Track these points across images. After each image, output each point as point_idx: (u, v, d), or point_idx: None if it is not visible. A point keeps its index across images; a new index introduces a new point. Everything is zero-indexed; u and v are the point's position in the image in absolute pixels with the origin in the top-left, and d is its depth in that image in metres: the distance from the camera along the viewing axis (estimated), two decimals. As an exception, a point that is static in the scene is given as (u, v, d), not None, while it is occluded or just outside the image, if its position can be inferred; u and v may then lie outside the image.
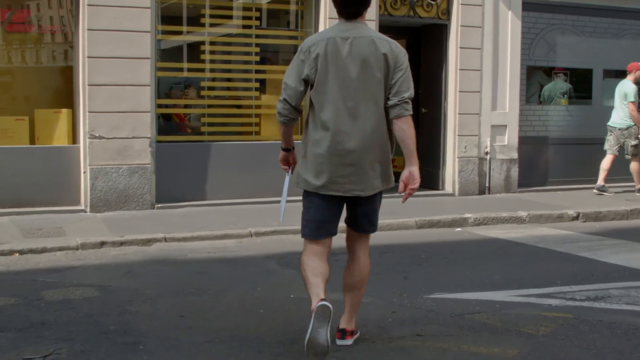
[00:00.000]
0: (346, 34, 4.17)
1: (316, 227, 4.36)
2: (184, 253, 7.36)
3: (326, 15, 10.22)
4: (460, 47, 11.10)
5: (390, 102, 4.21)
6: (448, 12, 11.19)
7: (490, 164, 11.42)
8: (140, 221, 8.70)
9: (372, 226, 4.46)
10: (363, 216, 4.39)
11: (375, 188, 4.29)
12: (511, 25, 11.47)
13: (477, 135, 11.30)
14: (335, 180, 4.22)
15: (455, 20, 11.12)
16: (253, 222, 8.62)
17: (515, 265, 6.95)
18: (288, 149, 4.51)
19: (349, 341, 4.47)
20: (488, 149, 11.36)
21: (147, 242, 7.78)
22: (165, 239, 7.86)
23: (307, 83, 4.19)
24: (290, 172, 4.55)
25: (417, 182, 4.28)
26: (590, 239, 8.30)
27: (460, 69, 11.11)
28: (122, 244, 7.68)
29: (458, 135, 11.21)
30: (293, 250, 7.30)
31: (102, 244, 7.61)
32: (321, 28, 10.23)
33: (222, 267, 6.79)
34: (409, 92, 4.23)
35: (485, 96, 11.31)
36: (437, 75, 11.43)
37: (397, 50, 4.23)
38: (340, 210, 4.41)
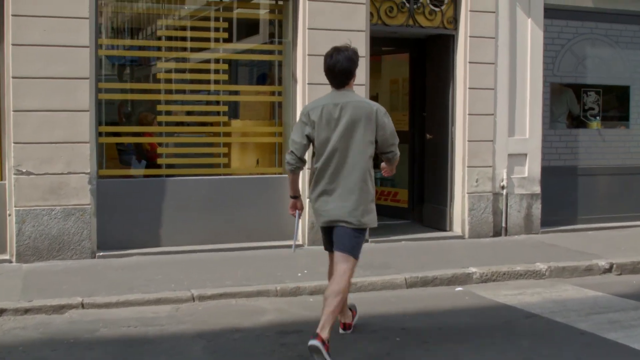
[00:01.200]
0: (336, 101, 5.22)
1: None
2: (97, 327, 5.90)
3: (305, 25, 8.74)
4: (470, 62, 9.53)
5: (381, 154, 5.34)
6: (455, 21, 9.64)
7: (507, 200, 9.80)
8: (69, 276, 7.27)
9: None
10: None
11: (358, 223, 5.18)
12: (531, 35, 9.87)
13: (490, 166, 9.69)
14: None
15: (463, 30, 9.56)
16: (205, 278, 7.17)
17: (517, 353, 5.32)
18: (296, 196, 5.51)
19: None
20: (504, 183, 9.75)
21: (60, 309, 6.34)
22: (83, 305, 6.41)
23: (309, 139, 5.22)
24: (298, 216, 5.51)
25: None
26: (624, 305, 6.64)
27: (470, 88, 9.54)
28: (26, 311, 6.25)
29: (468, 167, 9.61)
30: (235, 325, 5.81)
31: (1, 312, 6.16)
32: (300, 40, 8.76)
33: (129, 355, 5.27)
34: (393, 147, 5.30)
35: (501, 119, 9.72)
36: (443, 95, 9.87)
37: (379, 112, 5.20)
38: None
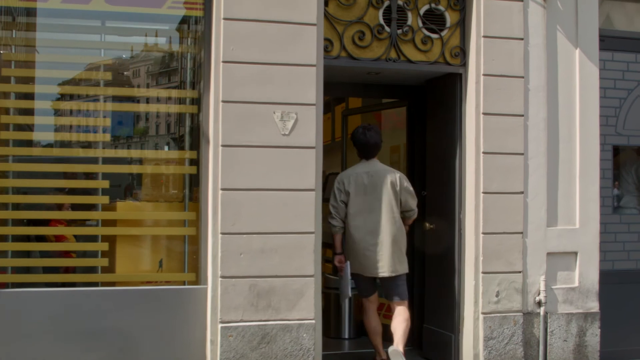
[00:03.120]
0: (366, 169, 6.59)
1: None
2: None
3: (219, 56, 5.83)
4: (486, 114, 6.46)
5: (402, 214, 6.59)
6: (462, 52, 6.59)
7: (546, 323, 6.56)
8: None
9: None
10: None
11: (394, 271, 6.51)
12: (580, 74, 6.79)
13: (519, 271, 6.49)
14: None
15: (474, 66, 6.54)
16: None
17: None
18: (342, 253, 6.65)
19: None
20: (542, 297, 6.54)
21: None
22: None
23: (345, 203, 6.51)
24: (348, 267, 6.59)
25: None
26: None
27: (485, 152, 6.43)
28: None
29: (484, 273, 6.44)
30: None
31: None
32: (212, 79, 5.89)
33: None
34: (412, 207, 6.60)
35: (536, 201, 6.57)
36: (446, 163, 6.77)
37: (401, 178, 6.56)
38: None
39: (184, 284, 6.25)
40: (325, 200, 8.22)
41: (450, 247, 6.69)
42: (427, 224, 7.01)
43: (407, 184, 6.53)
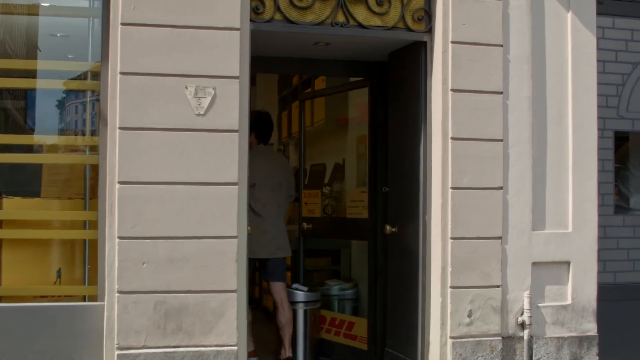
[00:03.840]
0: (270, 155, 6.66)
1: None
2: None
3: (117, 19, 4.69)
4: (455, 90, 5.26)
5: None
6: (428, 16, 5.38)
7: (531, 349, 5.40)
8: None
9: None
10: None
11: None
12: (573, 43, 5.58)
13: (498, 285, 5.34)
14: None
15: (441, 32, 5.29)
16: None
17: None
18: None
19: None
20: (525, 317, 5.38)
21: None
22: None
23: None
24: None
25: None
26: None
27: (454, 138, 5.24)
28: None
29: (453, 288, 5.26)
30: None
31: None
32: (111, 48, 4.76)
33: None
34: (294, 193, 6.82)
35: (518, 199, 5.41)
36: (408, 153, 5.57)
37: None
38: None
39: (85, 300, 5.13)
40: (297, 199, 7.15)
41: (413, 256, 5.51)
42: (389, 227, 5.83)
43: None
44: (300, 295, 6.69)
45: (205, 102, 4.84)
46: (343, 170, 7.52)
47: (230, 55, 4.88)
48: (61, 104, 5.56)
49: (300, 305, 6.69)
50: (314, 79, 8.46)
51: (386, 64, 6.01)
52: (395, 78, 5.86)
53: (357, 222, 6.57)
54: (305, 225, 7.13)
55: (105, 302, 4.79)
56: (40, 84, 5.37)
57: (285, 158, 8.15)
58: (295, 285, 6.88)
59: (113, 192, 4.76)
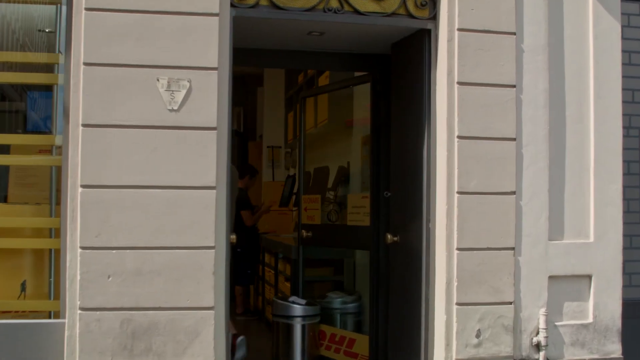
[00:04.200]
0: None
1: None
2: None
3: (81, 3, 4.22)
4: (461, 83, 4.70)
5: None
6: (432, 1, 4.83)
7: (547, 373, 4.78)
8: None
9: None
10: None
11: None
12: (595, 30, 4.98)
13: (509, 302, 4.77)
14: None
15: (446, 19, 4.74)
16: None
17: None
18: None
19: None
20: (541, 337, 4.82)
21: None
22: None
23: None
24: None
25: None
26: None
27: (460, 137, 4.67)
28: None
29: (459, 305, 4.71)
30: None
31: None
32: (74, 36, 4.27)
33: None
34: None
35: (532, 205, 4.87)
36: (413, 156, 5.02)
37: None
38: None
39: (50, 316, 4.63)
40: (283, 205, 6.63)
41: (416, 268, 4.95)
42: (390, 236, 5.27)
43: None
44: (298, 309, 6.18)
45: (179, 96, 4.33)
46: (348, 174, 6.98)
47: (207, 43, 4.36)
48: (32, 100, 5.10)
49: (298, 320, 6.18)
50: (318, 76, 7.94)
51: (389, 56, 5.48)
52: (398, 71, 5.31)
53: (358, 230, 6.04)
54: (304, 232, 6.60)
55: (67, 320, 4.29)
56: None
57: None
58: (292, 299, 6.36)
59: (75, 197, 4.25)
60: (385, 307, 5.61)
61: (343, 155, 7.08)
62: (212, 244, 4.35)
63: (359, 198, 6.14)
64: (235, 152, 11.84)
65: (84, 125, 4.24)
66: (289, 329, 6.16)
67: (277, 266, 7.98)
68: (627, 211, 5.13)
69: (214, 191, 4.36)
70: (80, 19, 4.28)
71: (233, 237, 4.82)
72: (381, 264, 5.72)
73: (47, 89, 4.91)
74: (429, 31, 4.87)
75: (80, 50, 4.27)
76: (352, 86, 6.32)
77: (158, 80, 4.31)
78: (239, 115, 13.26)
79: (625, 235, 5.04)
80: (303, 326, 6.20)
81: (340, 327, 6.50)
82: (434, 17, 4.86)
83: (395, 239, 5.23)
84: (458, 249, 4.70)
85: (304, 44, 5.35)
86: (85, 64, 4.25)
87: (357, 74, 6.25)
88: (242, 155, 11.93)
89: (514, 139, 4.79)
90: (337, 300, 6.62)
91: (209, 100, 4.36)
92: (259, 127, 11.71)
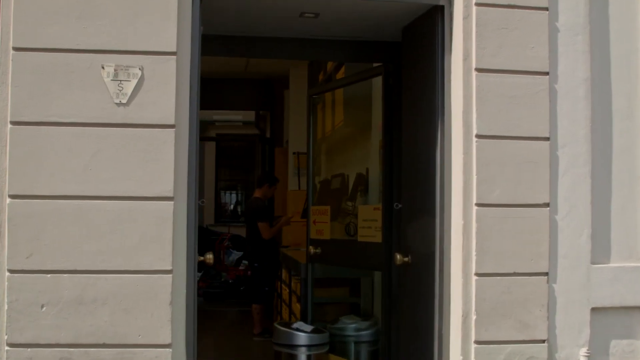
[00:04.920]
0: None
1: None
2: None
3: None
4: (479, 70, 3.77)
5: None
6: (445, -28, 3.98)
7: None
8: None
9: None
10: None
11: None
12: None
13: (542, 340, 3.84)
14: None
15: (462, -8, 3.89)
16: None
17: None
18: None
19: None
20: (582, 383, 3.83)
21: None
22: None
23: None
24: None
25: None
26: None
27: (480, 137, 3.76)
28: None
29: (478, 343, 3.78)
30: None
31: None
32: (12, 14, 3.50)
33: None
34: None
35: (570, 220, 3.94)
36: (424, 159, 4.15)
37: None
38: None
39: (-10, 350, 3.88)
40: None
41: (428, 296, 4.07)
42: (399, 256, 4.39)
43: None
44: (302, 337, 5.37)
45: (129, 87, 3.54)
46: (366, 182, 6.13)
47: (164, 23, 3.57)
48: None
49: (302, 349, 5.37)
50: (335, 73, 7.12)
51: (393, 44, 4.63)
52: (409, 60, 4.45)
53: (369, 247, 5.19)
54: (311, 249, 5.77)
55: (-7, 359, 3.54)
56: None
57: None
58: (297, 325, 5.55)
59: (2, 210, 3.50)
60: (398, 338, 4.74)
61: (361, 161, 6.23)
62: (169, 267, 3.54)
63: (370, 210, 5.29)
64: (259, 159, 11.12)
65: (13, 123, 3.48)
66: (290, 360, 5.36)
67: (291, 284, 7.17)
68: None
69: (172, 202, 3.56)
70: (10, -6, 3.54)
71: (209, 257, 4.04)
72: (394, 287, 4.85)
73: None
74: (442, 8, 4.00)
75: (9, 33, 3.51)
76: (362, 81, 5.46)
77: (103, 67, 3.53)
78: (266, 120, 12.54)
79: (688, 257, 4.08)
80: (308, 357, 5.38)
81: (353, 358, 5.65)
82: (448, -9, 3.99)
83: (406, 259, 4.35)
84: (477, 274, 3.80)
85: (297, 29, 4.53)
86: (15, 49, 3.49)
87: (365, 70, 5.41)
88: (269, 162, 11.18)
89: (547, 139, 3.88)
90: (350, 326, 5.78)
91: (165, 92, 3.57)
92: (285, 132, 10.94)
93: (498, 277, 3.81)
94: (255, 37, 4.66)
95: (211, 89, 11.45)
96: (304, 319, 6.03)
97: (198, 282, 12.24)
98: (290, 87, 10.28)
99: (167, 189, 3.55)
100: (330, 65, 7.44)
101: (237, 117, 15.72)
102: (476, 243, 3.81)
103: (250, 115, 14.12)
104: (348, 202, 6.19)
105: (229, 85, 11.26)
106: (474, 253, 3.81)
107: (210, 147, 16.97)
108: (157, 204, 3.54)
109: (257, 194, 8.43)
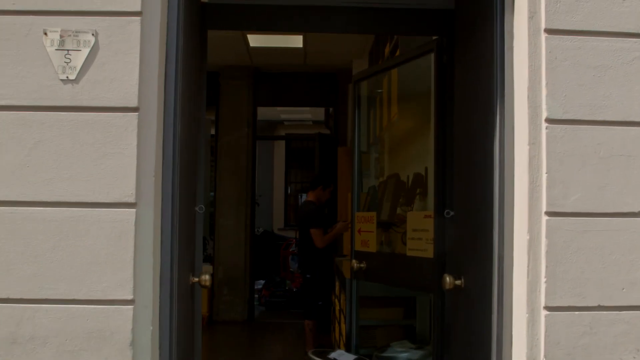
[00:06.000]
0: None
1: None
2: None
3: None
4: (550, 31, 2.75)
5: None
6: None
7: None
8: None
9: None
10: None
11: None
12: None
13: (639, 398, 2.71)
14: None
15: None
16: None
17: None
18: None
19: None
20: None
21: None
22: None
23: None
24: None
25: None
26: None
27: (551, 121, 2.72)
28: None
29: (549, 398, 2.71)
30: None
31: None
32: None
33: None
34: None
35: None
36: (479, 153, 3.13)
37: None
38: None
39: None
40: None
41: (483, 334, 3.05)
42: (449, 278, 3.37)
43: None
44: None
45: (79, 58, 2.68)
46: (425, 185, 5.14)
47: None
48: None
49: (340, 385, 4.42)
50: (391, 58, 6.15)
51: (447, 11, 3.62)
52: (464, 29, 3.45)
53: (418, 263, 4.20)
54: (355, 263, 4.82)
55: None
56: None
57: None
58: (335, 354, 4.62)
59: None
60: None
61: (420, 159, 5.24)
62: (129, 297, 2.66)
63: (420, 218, 4.30)
64: (317, 159, 10.26)
65: None
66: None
67: (340, 300, 6.24)
68: None
69: (134, 210, 2.68)
70: None
71: (204, 277, 3.16)
72: (447, 313, 3.85)
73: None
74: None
75: None
76: (411, 60, 4.46)
77: (46, 34, 2.68)
78: (330, 117, 11.63)
79: None
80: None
81: (403, 395, 4.68)
82: None
83: (458, 282, 3.34)
84: (547, 307, 2.77)
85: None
86: None
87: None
88: (331, 162, 10.28)
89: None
90: (402, 355, 4.81)
91: (126, 64, 2.69)
92: (349, 130, 10.01)
93: (576, 313, 2.77)
94: (271, 5, 3.74)
95: (270, 84, 10.70)
96: (348, 343, 5.09)
97: (261, 290, 11.40)
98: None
99: (127, 193, 2.67)
100: (387, 51, 6.49)
101: (306, 117, 14.91)
102: (546, 266, 2.77)
103: (319, 114, 13.26)
104: (403, 207, 5.22)
105: (288, 79, 10.43)
106: (543, 279, 2.78)
107: (280, 147, 16.23)
108: (113, 212, 2.67)
109: (310, 197, 7.56)
